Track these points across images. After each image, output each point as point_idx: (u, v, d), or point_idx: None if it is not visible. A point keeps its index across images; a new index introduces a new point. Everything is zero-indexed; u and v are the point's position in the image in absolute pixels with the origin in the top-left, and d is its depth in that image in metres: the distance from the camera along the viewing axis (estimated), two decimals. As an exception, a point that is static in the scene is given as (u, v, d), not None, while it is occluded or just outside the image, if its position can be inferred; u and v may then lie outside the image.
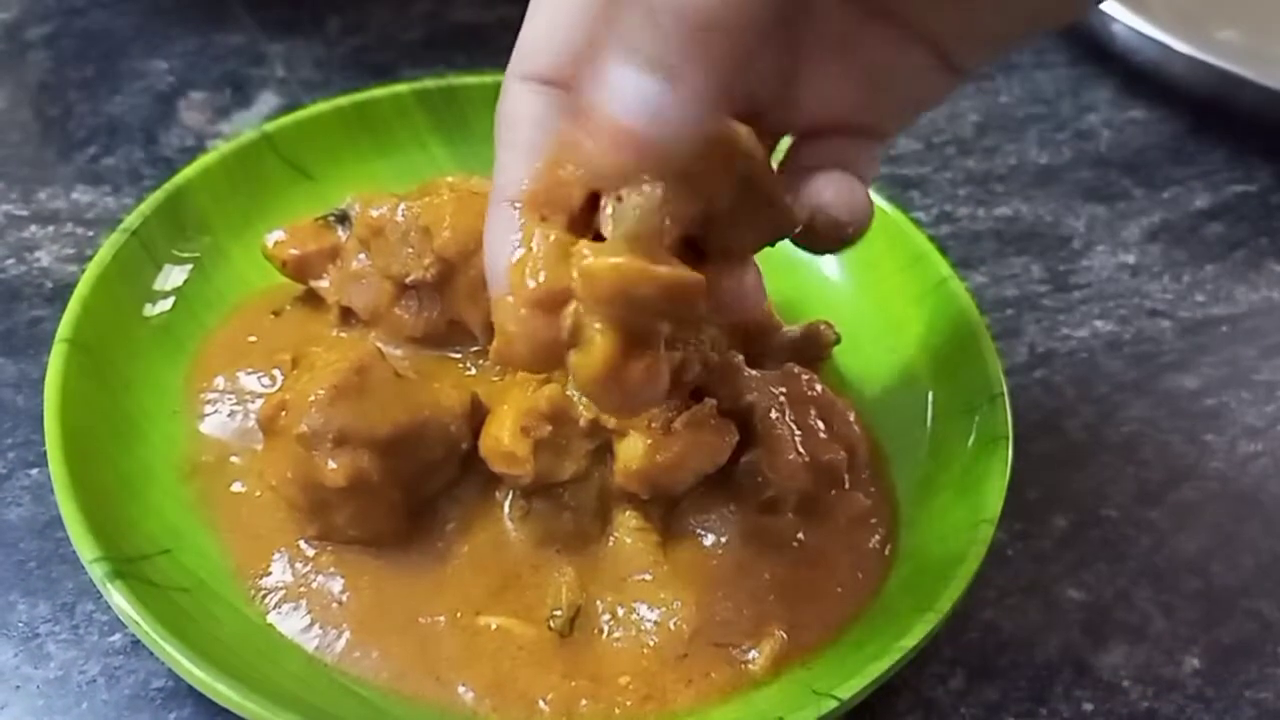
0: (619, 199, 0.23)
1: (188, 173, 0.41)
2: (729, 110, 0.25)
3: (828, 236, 0.28)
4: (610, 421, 0.32)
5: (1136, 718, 0.34)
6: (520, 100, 0.26)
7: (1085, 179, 0.53)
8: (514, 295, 0.25)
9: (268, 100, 0.52)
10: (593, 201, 0.24)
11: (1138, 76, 0.58)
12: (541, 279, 0.24)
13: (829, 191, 0.27)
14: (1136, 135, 0.56)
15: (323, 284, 0.38)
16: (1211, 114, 0.56)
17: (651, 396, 0.25)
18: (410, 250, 0.36)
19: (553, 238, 0.25)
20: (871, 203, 0.28)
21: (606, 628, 0.33)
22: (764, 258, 0.28)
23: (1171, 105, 0.57)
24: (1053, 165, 0.54)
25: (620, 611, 0.33)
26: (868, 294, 0.43)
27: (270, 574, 0.33)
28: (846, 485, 0.36)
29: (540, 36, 0.26)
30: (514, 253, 0.25)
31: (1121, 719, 0.34)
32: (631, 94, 0.22)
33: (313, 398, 0.32)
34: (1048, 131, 0.56)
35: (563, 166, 0.24)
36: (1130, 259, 0.50)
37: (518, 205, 0.25)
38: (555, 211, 0.25)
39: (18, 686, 0.32)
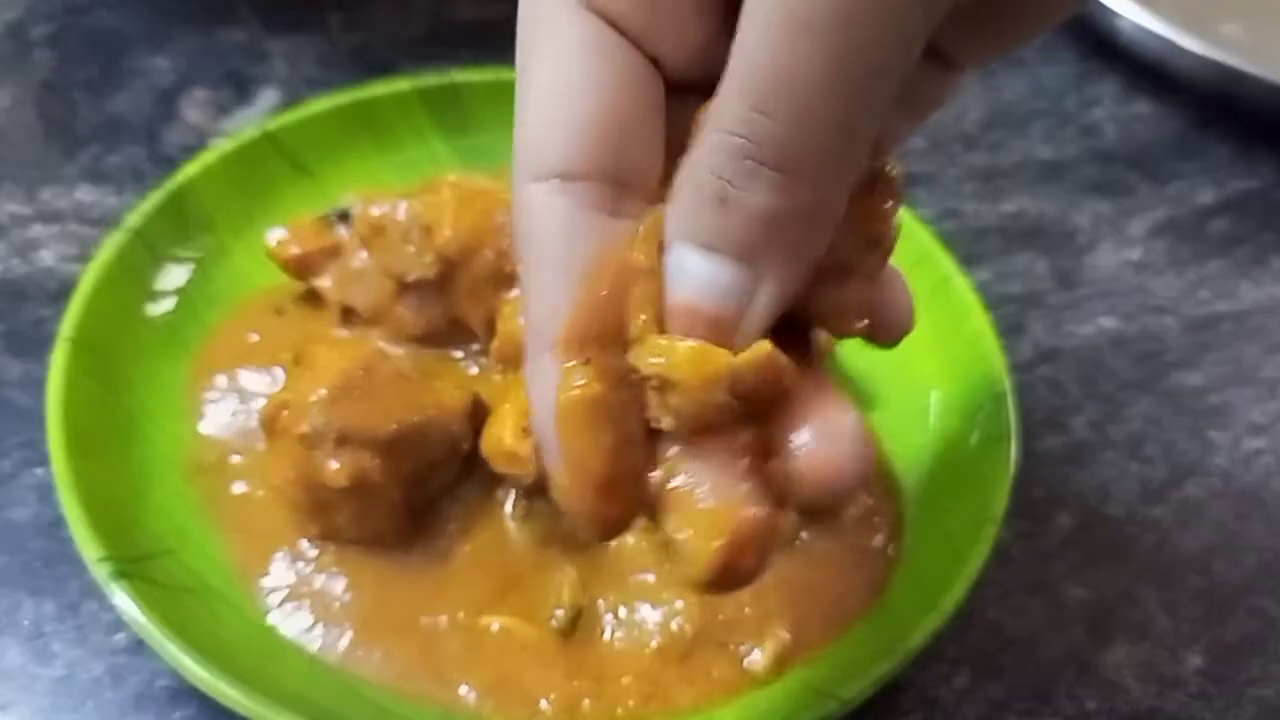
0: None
1: (189, 171, 0.41)
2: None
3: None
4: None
5: (1139, 716, 0.34)
6: (540, 207, 0.21)
7: (1090, 175, 0.53)
8: (572, 476, 0.21)
9: (270, 97, 0.52)
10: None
11: (1142, 72, 0.58)
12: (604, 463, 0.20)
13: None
14: (1141, 131, 0.56)
15: (324, 283, 0.38)
16: (1216, 109, 0.56)
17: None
18: (412, 249, 0.36)
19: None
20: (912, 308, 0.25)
21: (609, 628, 0.33)
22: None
23: (1176, 100, 0.57)
24: (1057, 161, 0.54)
25: (623, 611, 0.33)
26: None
27: (272, 574, 0.33)
28: (849, 484, 0.36)
29: (546, 125, 0.21)
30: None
31: (1124, 717, 0.34)
32: (699, 277, 0.20)
33: (314, 397, 0.32)
34: (1052, 127, 0.56)
35: (605, 287, 0.20)
36: (1135, 255, 0.50)
37: (559, 354, 0.20)
38: (606, 346, 0.20)
39: (24, 685, 0.32)
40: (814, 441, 0.21)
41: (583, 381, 0.20)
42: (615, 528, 0.22)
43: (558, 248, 0.21)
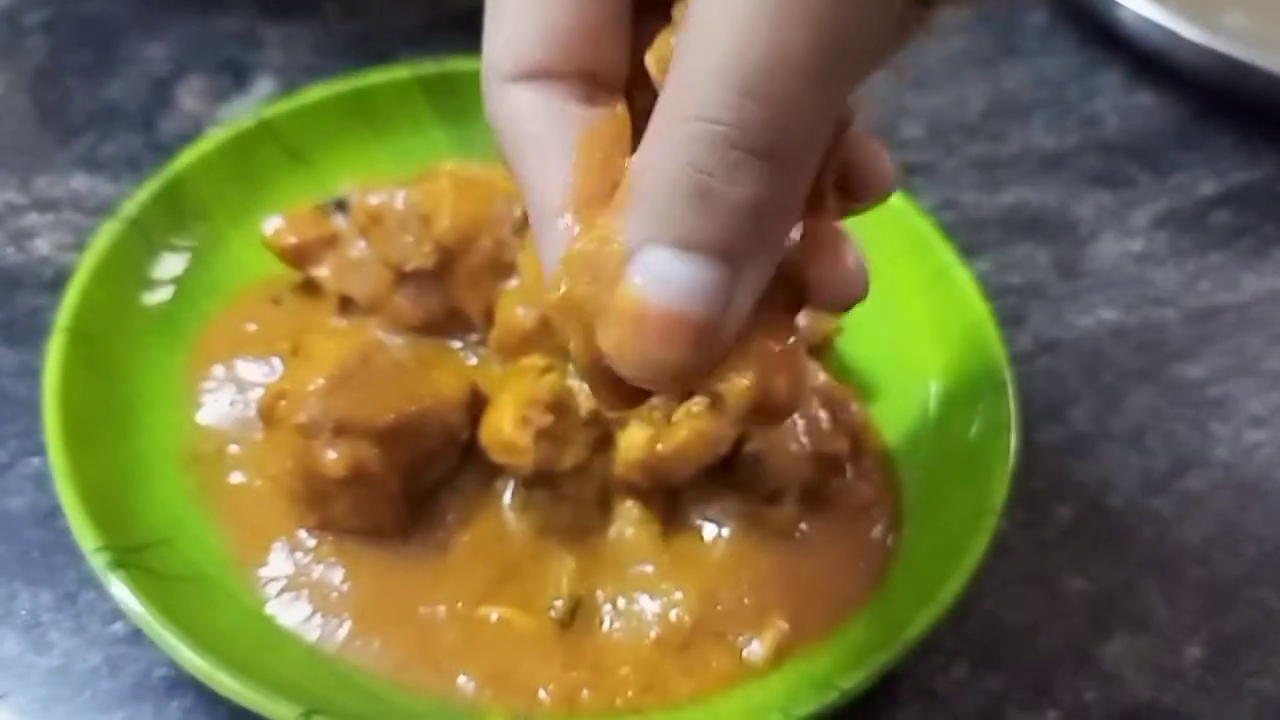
0: None
1: (185, 160, 0.40)
2: None
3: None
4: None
5: (1138, 708, 0.34)
6: (525, 103, 0.21)
7: (1091, 165, 0.53)
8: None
9: (266, 85, 0.51)
10: None
11: (1145, 62, 0.57)
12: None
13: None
14: (1143, 121, 0.56)
15: (322, 272, 0.38)
16: (1219, 100, 0.56)
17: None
18: (410, 238, 0.36)
19: None
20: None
21: (607, 618, 0.32)
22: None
23: (1179, 91, 0.57)
24: (1059, 151, 0.54)
25: (621, 602, 0.33)
26: (871, 282, 0.42)
27: (270, 564, 0.33)
28: (849, 475, 0.36)
29: (521, 31, 0.22)
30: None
31: (1123, 709, 0.34)
32: (682, 281, 0.19)
33: (312, 387, 0.32)
34: (1054, 117, 0.55)
35: (599, 153, 0.21)
36: (1136, 246, 0.49)
37: (570, 216, 0.20)
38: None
39: (21, 675, 0.32)
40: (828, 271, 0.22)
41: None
42: (634, 396, 0.21)
43: (549, 135, 0.21)
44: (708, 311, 0.19)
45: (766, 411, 0.21)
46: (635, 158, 0.19)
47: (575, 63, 0.21)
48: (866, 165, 0.23)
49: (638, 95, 0.22)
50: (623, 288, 0.19)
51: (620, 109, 0.22)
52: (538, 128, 0.21)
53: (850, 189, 0.23)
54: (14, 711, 0.32)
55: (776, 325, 0.21)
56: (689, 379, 0.20)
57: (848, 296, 0.23)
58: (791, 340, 0.21)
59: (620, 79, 0.22)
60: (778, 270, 0.21)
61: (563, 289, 0.20)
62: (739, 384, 0.20)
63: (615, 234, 0.19)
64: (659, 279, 0.19)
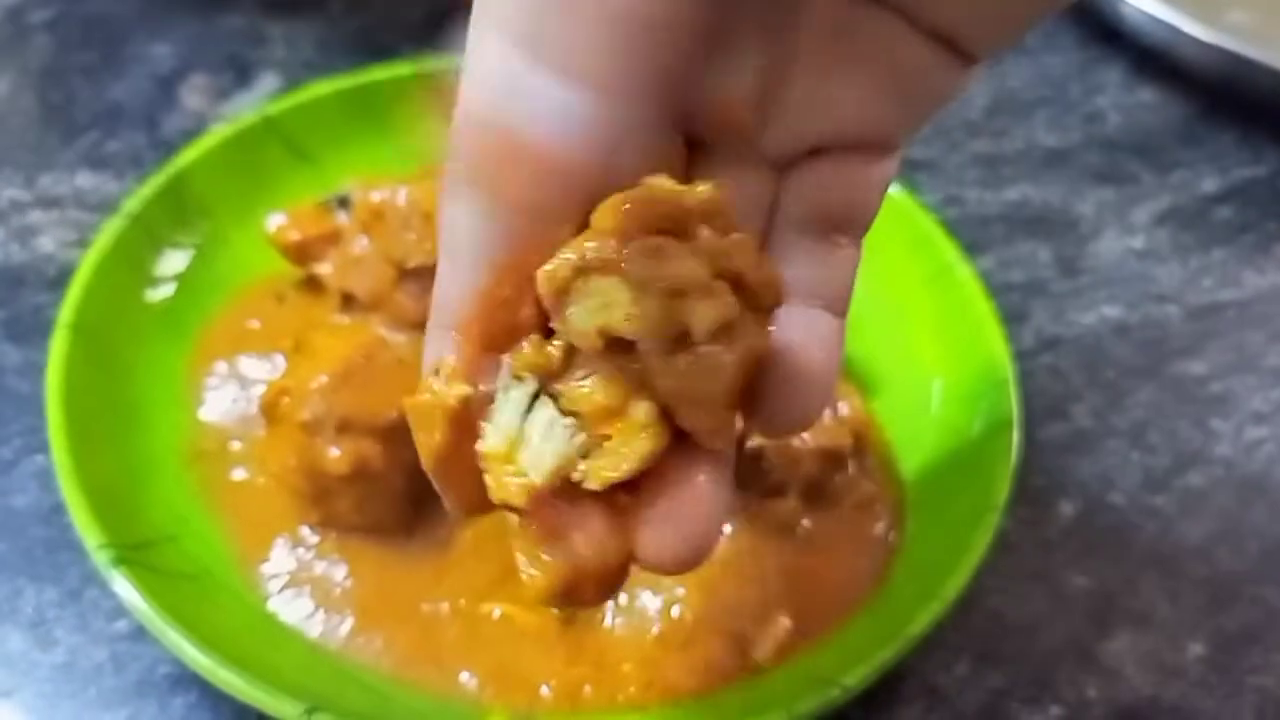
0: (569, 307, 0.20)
1: (188, 157, 0.41)
2: (685, 122, 0.21)
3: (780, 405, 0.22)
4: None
5: (1139, 704, 0.34)
6: (459, 205, 0.21)
7: (1094, 162, 0.53)
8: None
9: (269, 82, 0.51)
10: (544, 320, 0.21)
11: (1147, 59, 0.57)
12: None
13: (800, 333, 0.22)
14: (1145, 118, 0.56)
15: (324, 269, 0.38)
16: (1221, 97, 0.56)
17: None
18: (412, 235, 0.36)
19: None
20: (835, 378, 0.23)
21: (610, 615, 0.33)
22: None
23: (1181, 88, 0.57)
24: (1061, 148, 0.54)
25: (623, 598, 0.33)
26: (873, 278, 0.42)
27: (273, 560, 0.33)
28: (851, 471, 0.36)
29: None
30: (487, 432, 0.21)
31: (1125, 706, 0.34)
32: (553, 110, 0.19)
33: (314, 384, 0.32)
34: (1056, 114, 0.55)
35: (503, 286, 0.21)
36: (1138, 243, 0.49)
37: (454, 336, 0.21)
38: (505, 344, 0.21)
39: (26, 671, 0.32)
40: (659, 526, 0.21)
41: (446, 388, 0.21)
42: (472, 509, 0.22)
43: (472, 246, 0.21)
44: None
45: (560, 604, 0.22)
46: None
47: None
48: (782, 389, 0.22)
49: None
50: None
51: (563, 235, 0.21)
52: (464, 234, 0.21)
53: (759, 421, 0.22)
54: (20, 708, 0.32)
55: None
56: None
57: (793, 425, 0.23)
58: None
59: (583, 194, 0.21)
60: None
61: (423, 397, 0.21)
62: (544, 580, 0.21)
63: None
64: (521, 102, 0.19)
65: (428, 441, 0.22)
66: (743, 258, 0.20)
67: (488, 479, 0.21)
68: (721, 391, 0.20)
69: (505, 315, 0.21)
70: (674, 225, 0.20)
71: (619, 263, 0.19)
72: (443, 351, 0.21)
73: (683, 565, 0.21)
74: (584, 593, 0.21)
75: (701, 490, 0.21)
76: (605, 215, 0.20)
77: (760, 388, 0.21)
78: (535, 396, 0.21)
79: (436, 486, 0.23)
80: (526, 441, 0.21)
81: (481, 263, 0.21)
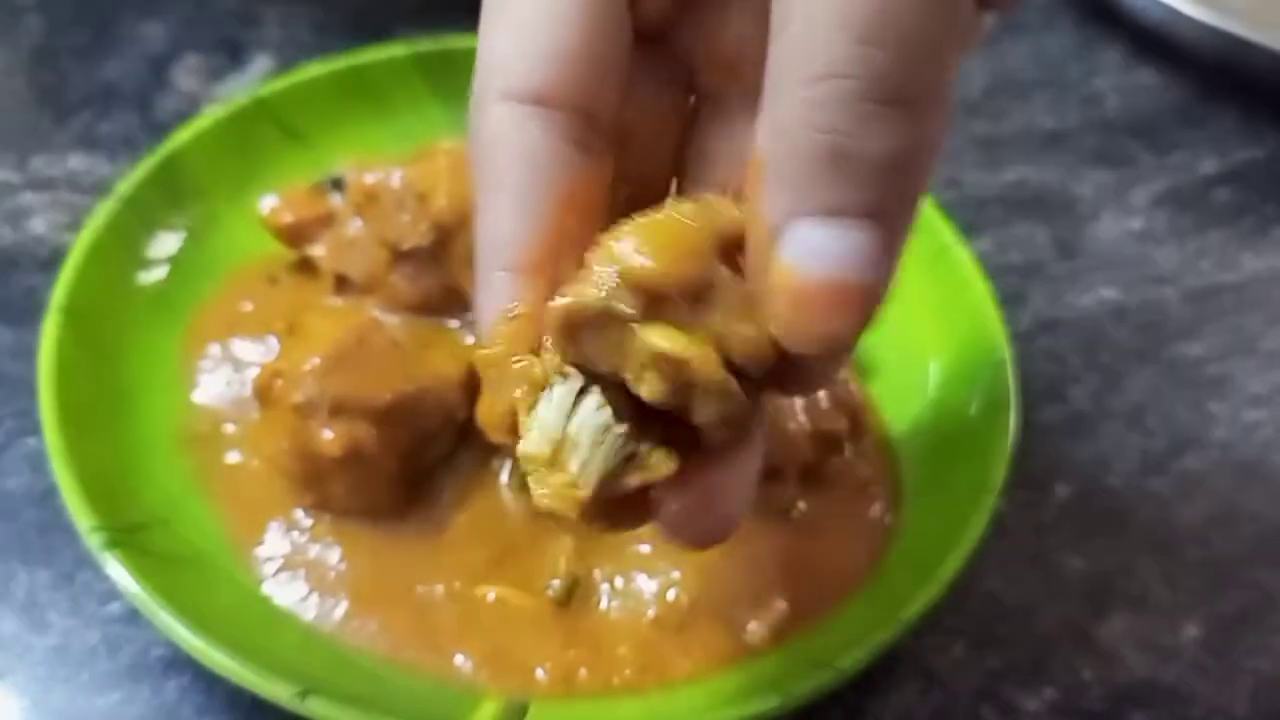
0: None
1: (181, 138, 0.40)
2: (691, 76, 0.21)
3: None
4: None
5: (1135, 687, 0.34)
6: (510, 130, 0.20)
7: (1092, 144, 0.53)
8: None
9: (263, 63, 0.51)
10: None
11: (1146, 40, 0.57)
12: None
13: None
14: (1144, 100, 0.55)
15: (318, 251, 0.38)
16: (1221, 78, 0.55)
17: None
18: (406, 217, 0.36)
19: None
20: None
21: (605, 598, 0.32)
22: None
23: (1180, 69, 0.56)
24: (1060, 130, 0.53)
25: (619, 581, 0.33)
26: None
27: (267, 544, 0.33)
28: (848, 454, 0.36)
29: (523, 48, 0.20)
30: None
31: (1120, 688, 0.34)
32: (834, 250, 0.18)
33: (308, 367, 0.32)
34: (1054, 96, 0.55)
35: (571, 218, 0.20)
36: (1136, 225, 0.49)
37: (509, 276, 0.20)
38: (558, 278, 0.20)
39: (19, 655, 0.32)
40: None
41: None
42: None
43: (526, 174, 0.20)
44: (866, 275, 0.18)
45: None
46: (760, 128, 0.18)
47: (577, 96, 0.20)
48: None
49: (624, 157, 0.21)
50: (776, 267, 0.18)
51: (608, 170, 0.20)
52: (518, 162, 0.20)
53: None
54: (13, 691, 0.32)
55: None
56: (856, 342, 0.19)
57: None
58: None
59: (611, 128, 0.21)
60: None
61: (495, 349, 0.20)
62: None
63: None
64: (812, 253, 0.18)
65: (496, 403, 0.20)
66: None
67: (531, 482, 0.20)
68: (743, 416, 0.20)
69: (573, 253, 0.19)
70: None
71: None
72: (504, 298, 0.20)
73: (709, 544, 0.21)
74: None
75: (733, 475, 0.21)
76: (662, 255, 0.18)
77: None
78: (580, 391, 0.20)
79: (493, 440, 0.22)
80: (575, 445, 0.19)
81: (543, 190, 0.20)
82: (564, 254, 0.20)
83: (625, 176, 0.21)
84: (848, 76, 0.17)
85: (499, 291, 0.20)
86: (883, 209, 0.18)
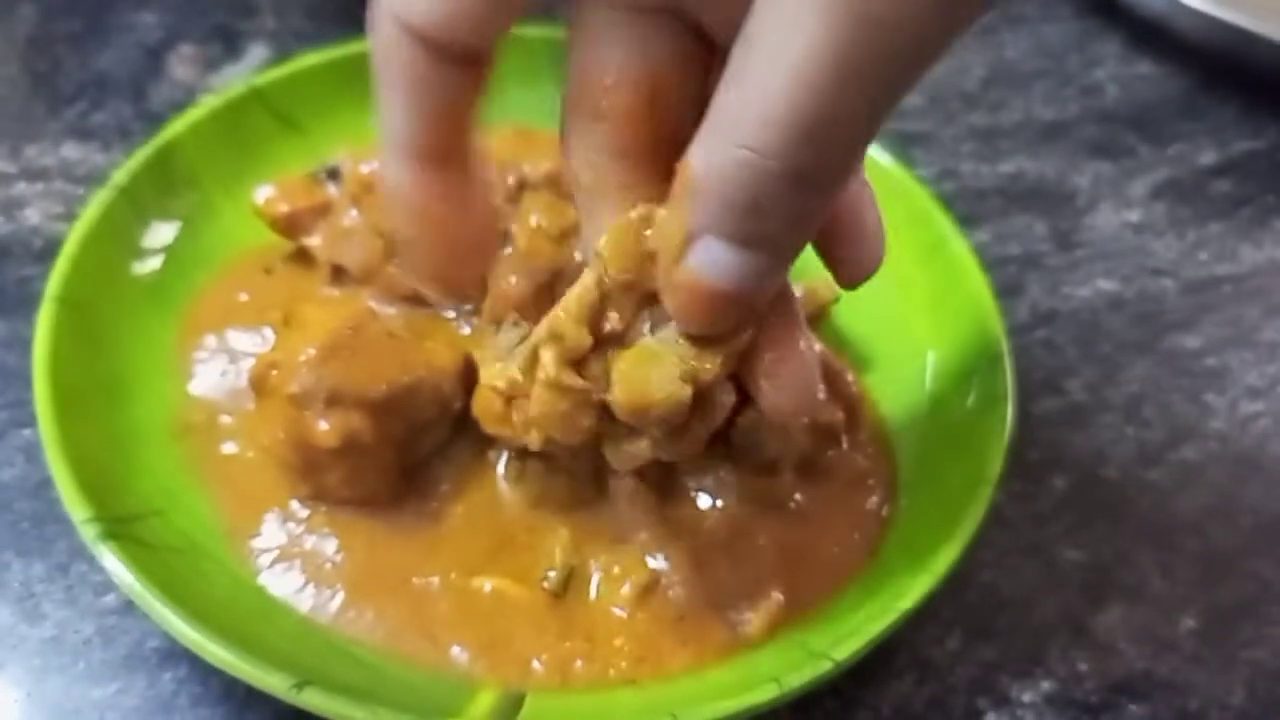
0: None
1: (176, 128, 0.40)
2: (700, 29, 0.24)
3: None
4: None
5: (1132, 678, 0.34)
6: (392, 43, 0.24)
7: (1091, 135, 0.53)
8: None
9: (258, 52, 0.51)
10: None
11: (1146, 31, 0.57)
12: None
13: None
14: (1144, 91, 0.55)
15: (314, 241, 0.38)
16: (1221, 69, 0.55)
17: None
18: (402, 207, 0.35)
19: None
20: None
21: (601, 589, 0.32)
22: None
23: (1180, 60, 0.56)
24: (1059, 121, 0.53)
25: (615, 573, 0.33)
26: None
27: (263, 534, 0.33)
28: (844, 446, 0.36)
29: None
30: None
31: (1117, 679, 0.34)
32: (732, 268, 0.23)
33: (304, 357, 0.32)
34: (1054, 86, 0.55)
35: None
36: (1135, 217, 0.49)
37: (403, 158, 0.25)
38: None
39: (14, 646, 0.32)
40: (773, 385, 0.26)
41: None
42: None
43: (409, 85, 0.24)
44: (749, 289, 0.23)
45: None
46: (697, 147, 0.22)
47: (452, 34, 0.23)
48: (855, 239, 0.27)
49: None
50: (682, 267, 0.23)
51: (483, 77, 0.25)
52: (402, 74, 0.24)
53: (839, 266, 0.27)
54: (8, 682, 0.32)
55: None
56: (731, 331, 0.25)
57: (869, 270, 0.27)
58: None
59: (493, 43, 0.24)
60: None
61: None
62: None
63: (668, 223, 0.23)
64: (714, 264, 0.22)
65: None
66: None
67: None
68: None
69: (454, 147, 0.25)
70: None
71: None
72: (399, 178, 0.25)
73: (804, 410, 0.26)
74: None
75: (804, 349, 0.26)
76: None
77: (836, 253, 0.27)
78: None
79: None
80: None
81: (422, 100, 0.24)
82: (444, 145, 0.25)
83: (661, 136, 0.24)
84: (777, 160, 0.20)
85: (395, 171, 0.25)
86: (776, 244, 0.22)
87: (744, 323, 0.25)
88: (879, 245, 0.27)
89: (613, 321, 0.26)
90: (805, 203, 0.22)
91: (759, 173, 0.21)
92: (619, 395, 0.26)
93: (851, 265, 0.27)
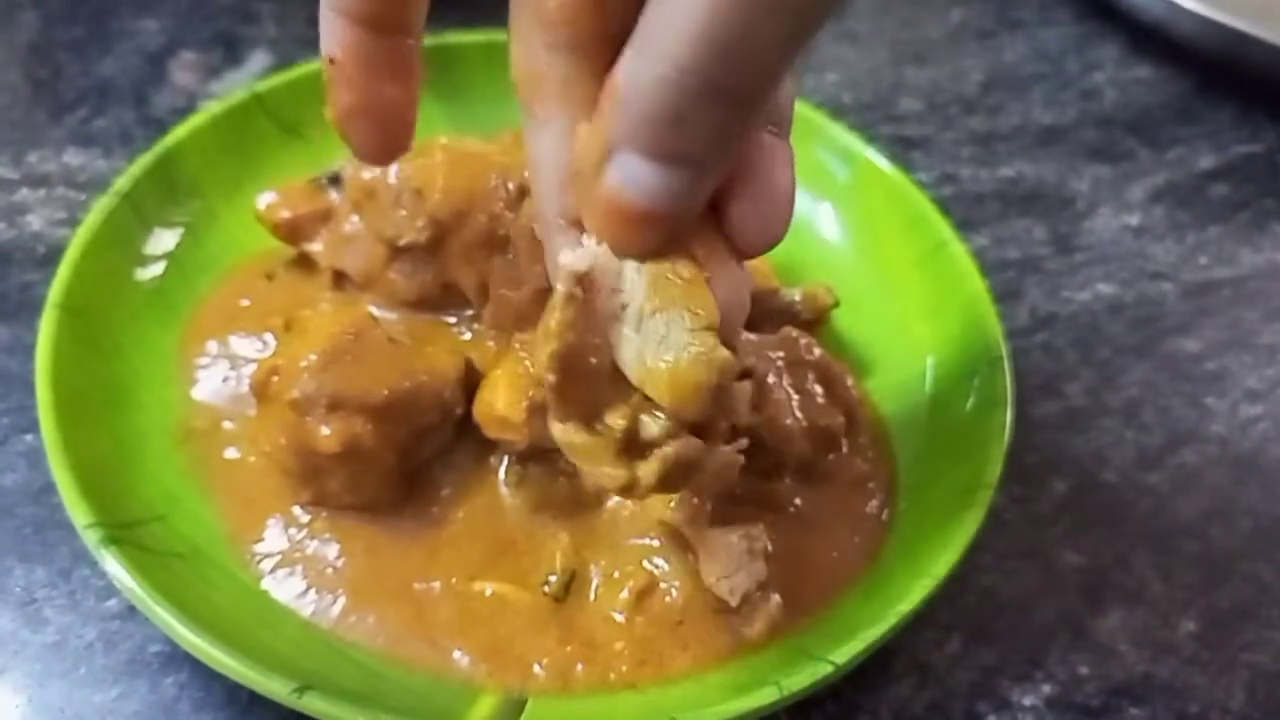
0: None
1: (177, 134, 0.40)
2: None
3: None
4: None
5: (1132, 681, 0.35)
6: (335, 30, 0.26)
7: (1090, 139, 0.53)
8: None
9: (260, 59, 0.51)
10: None
11: (1144, 35, 0.57)
12: None
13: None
14: (1142, 94, 0.55)
15: (315, 247, 0.38)
16: (1219, 73, 0.55)
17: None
18: (403, 213, 0.36)
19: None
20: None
21: (601, 593, 0.32)
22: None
23: (1178, 64, 0.56)
24: (1057, 125, 0.53)
25: (615, 577, 0.33)
26: (867, 256, 0.42)
27: (265, 539, 0.33)
28: (844, 450, 0.36)
29: None
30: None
31: (1117, 683, 0.34)
32: (651, 184, 0.22)
33: (305, 363, 0.32)
34: (1052, 90, 0.55)
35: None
36: (1133, 220, 0.49)
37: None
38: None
39: (16, 651, 0.32)
40: (749, 209, 0.24)
41: None
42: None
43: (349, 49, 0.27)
44: (670, 208, 0.23)
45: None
46: (624, 62, 0.22)
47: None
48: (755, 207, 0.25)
49: None
50: (602, 182, 0.22)
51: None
52: (337, 55, 0.26)
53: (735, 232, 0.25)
54: (10, 687, 0.32)
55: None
56: (651, 254, 0.24)
57: (770, 234, 0.25)
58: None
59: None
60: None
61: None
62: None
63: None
64: (634, 180, 0.22)
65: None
66: None
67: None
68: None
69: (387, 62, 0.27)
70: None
71: None
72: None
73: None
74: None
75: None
76: None
77: (738, 209, 0.24)
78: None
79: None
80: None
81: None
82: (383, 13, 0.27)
83: (606, 34, 0.24)
84: (695, 75, 0.21)
85: (330, 23, 0.27)
86: (695, 161, 0.22)
87: (662, 249, 0.24)
88: (784, 209, 0.25)
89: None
90: (722, 118, 0.21)
91: (677, 88, 0.21)
92: (660, 391, 0.24)
93: (751, 223, 0.25)
